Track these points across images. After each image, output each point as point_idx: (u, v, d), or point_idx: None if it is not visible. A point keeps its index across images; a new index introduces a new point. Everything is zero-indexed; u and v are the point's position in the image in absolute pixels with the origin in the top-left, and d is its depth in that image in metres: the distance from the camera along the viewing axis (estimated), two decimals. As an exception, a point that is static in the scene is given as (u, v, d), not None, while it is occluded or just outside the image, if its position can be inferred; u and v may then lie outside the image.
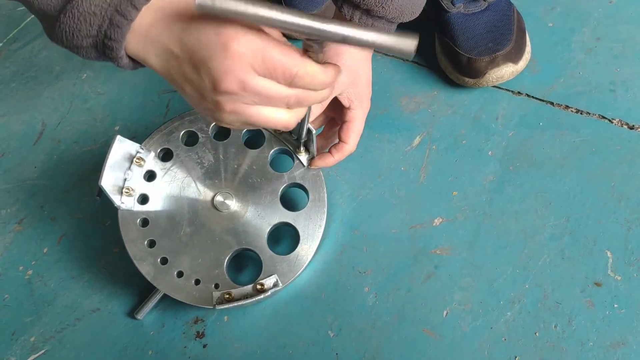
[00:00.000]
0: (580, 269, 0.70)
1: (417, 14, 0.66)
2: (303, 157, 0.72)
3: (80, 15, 0.48)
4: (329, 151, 0.71)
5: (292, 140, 0.73)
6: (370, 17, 0.64)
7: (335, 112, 0.71)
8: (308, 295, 0.74)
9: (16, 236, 0.85)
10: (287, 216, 0.71)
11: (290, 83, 0.48)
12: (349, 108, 0.68)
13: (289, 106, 0.50)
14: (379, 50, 0.47)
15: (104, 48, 0.50)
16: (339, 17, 0.66)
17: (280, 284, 0.68)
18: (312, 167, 0.72)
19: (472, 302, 0.70)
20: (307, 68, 0.47)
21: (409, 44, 0.47)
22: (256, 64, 0.46)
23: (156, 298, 0.72)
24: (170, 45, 0.48)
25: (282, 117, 0.51)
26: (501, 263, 0.72)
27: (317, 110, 0.68)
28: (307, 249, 0.70)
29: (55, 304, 0.78)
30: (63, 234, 0.84)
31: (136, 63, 0.52)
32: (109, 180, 0.67)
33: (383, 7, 0.62)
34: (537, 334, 0.67)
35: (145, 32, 0.48)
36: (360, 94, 0.68)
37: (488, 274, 0.71)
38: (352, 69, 0.66)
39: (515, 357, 0.66)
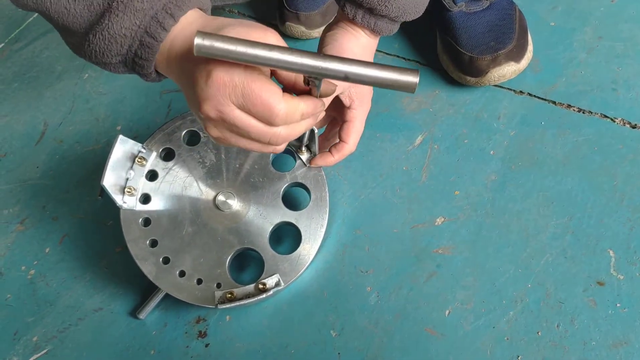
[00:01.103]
0: (582, 268, 0.70)
1: (421, 12, 0.66)
2: (305, 156, 0.72)
3: (111, 38, 0.50)
4: (329, 151, 0.70)
5: (293, 140, 0.73)
6: (372, 15, 0.64)
7: (337, 112, 0.71)
8: (310, 294, 0.74)
9: (18, 236, 0.85)
10: (289, 216, 0.71)
11: (269, 122, 0.49)
12: (349, 107, 0.68)
13: (269, 143, 0.52)
14: (381, 87, 0.48)
15: (134, 65, 0.53)
16: (342, 17, 0.66)
17: (282, 284, 0.68)
18: (313, 166, 0.72)
19: (474, 302, 0.70)
20: (287, 109, 0.49)
21: (411, 79, 0.47)
22: (234, 96, 0.47)
23: (158, 298, 0.72)
24: (176, 68, 0.51)
25: (264, 149, 0.53)
26: (503, 262, 0.72)
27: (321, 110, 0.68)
28: (309, 248, 0.70)
29: (57, 304, 0.78)
30: (65, 234, 0.84)
31: (161, 75, 0.56)
32: (110, 180, 0.68)
33: (386, 5, 0.62)
34: (539, 333, 0.67)
35: (167, 52, 0.51)
36: (361, 93, 0.67)
37: (490, 273, 0.71)
38: None
39: (518, 357, 0.66)
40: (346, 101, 0.67)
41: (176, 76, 0.53)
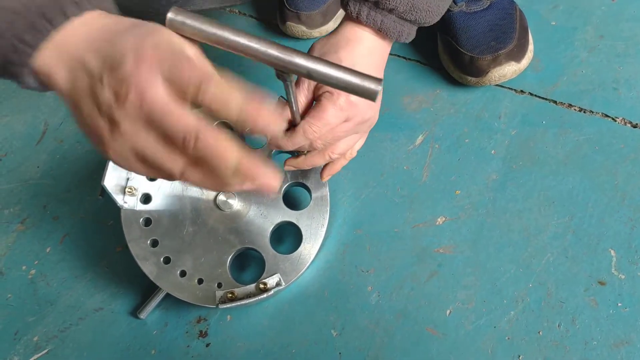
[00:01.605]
0: (583, 267, 0.70)
1: (436, 15, 0.61)
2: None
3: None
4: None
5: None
6: (379, 11, 0.59)
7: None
8: (311, 294, 0.74)
9: (19, 236, 0.85)
10: (290, 215, 0.71)
11: (198, 91, 0.40)
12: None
13: (186, 148, 0.40)
14: (342, 89, 0.47)
15: (11, 52, 0.42)
16: (348, 19, 0.62)
17: (283, 283, 0.68)
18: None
19: (475, 301, 0.70)
20: (218, 79, 0.41)
21: (372, 87, 0.46)
22: (166, 61, 0.40)
23: (159, 297, 0.72)
24: (86, 57, 0.41)
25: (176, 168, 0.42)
26: (504, 262, 0.72)
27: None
28: (309, 248, 0.70)
29: (58, 304, 0.78)
30: (66, 234, 0.84)
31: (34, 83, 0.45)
32: (111, 180, 0.68)
33: None
34: (540, 332, 0.67)
35: (62, 43, 0.42)
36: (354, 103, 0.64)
37: (491, 272, 0.71)
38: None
39: (519, 356, 0.66)
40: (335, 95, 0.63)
41: (70, 74, 0.42)
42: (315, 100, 0.62)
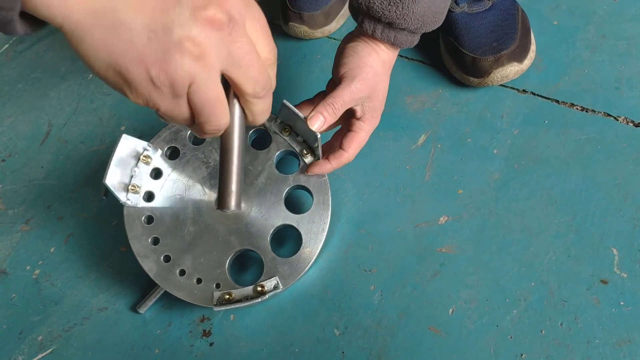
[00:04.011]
0: (586, 266, 0.70)
1: (440, 22, 0.66)
2: (309, 159, 0.72)
3: None
4: (327, 158, 0.70)
5: (299, 142, 0.72)
6: (392, 29, 0.64)
7: (345, 121, 0.71)
8: (314, 293, 0.74)
9: (23, 236, 0.86)
10: (291, 218, 0.71)
11: (247, 96, 0.42)
12: (359, 119, 0.68)
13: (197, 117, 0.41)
14: None
15: None
16: (360, 34, 0.67)
17: (281, 287, 0.68)
18: (309, 174, 0.71)
19: (478, 300, 0.70)
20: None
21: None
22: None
23: (159, 293, 0.73)
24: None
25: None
26: (507, 261, 0.72)
27: (331, 119, 0.67)
28: (309, 252, 0.70)
29: (62, 303, 0.79)
30: (70, 234, 0.85)
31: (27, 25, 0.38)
32: (114, 178, 0.68)
33: (405, 19, 0.62)
34: (543, 331, 0.67)
35: None
36: (374, 108, 0.68)
37: (494, 271, 0.71)
38: (372, 84, 0.66)
39: (522, 355, 0.66)
40: (358, 113, 0.67)
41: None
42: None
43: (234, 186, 0.47)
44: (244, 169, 0.48)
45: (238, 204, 0.48)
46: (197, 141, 0.74)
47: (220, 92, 0.40)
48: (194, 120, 0.41)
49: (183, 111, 0.40)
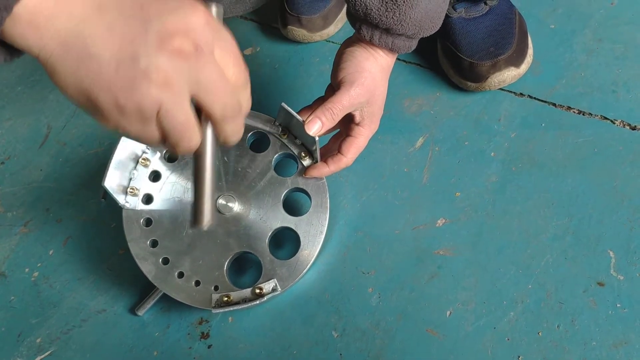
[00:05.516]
0: (583, 268, 0.70)
1: (438, 27, 0.66)
2: (307, 162, 0.72)
3: None
4: (325, 161, 0.70)
5: (298, 145, 0.73)
6: (390, 35, 0.64)
7: (344, 126, 0.72)
8: (312, 295, 0.74)
9: (22, 238, 0.86)
10: (289, 221, 0.71)
11: (218, 120, 0.42)
12: (358, 124, 0.68)
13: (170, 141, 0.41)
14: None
15: None
16: (358, 39, 0.67)
17: (279, 289, 0.68)
18: (307, 177, 0.72)
19: (475, 302, 0.70)
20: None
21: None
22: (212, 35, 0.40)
23: (157, 295, 0.73)
24: None
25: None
26: (504, 263, 0.72)
27: (329, 124, 0.67)
28: (307, 254, 0.70)
29: (61, 306, 0.79)
30: (69, 236, 0.85)
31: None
32: (113, 181, 0.68)
33: (402, 25, 0.62)
34: (540, 333, 0.67)
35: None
36: (372, 113, 0.68)
37: (491, 274, 0.72)
38: (370, 89, 0.66)
39: (519, 357, 0.66)
40: (357, 118, 0.68)
41: (78, 17, 0.38)
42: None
43: (206, 205, 0.49)
44: (215, 188, 0.49)
45: (210, 221, 0.49)
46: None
47: (189, 115, 0.41)
48: (165, 141, 0.42)
49: (153, 135, 0.41)
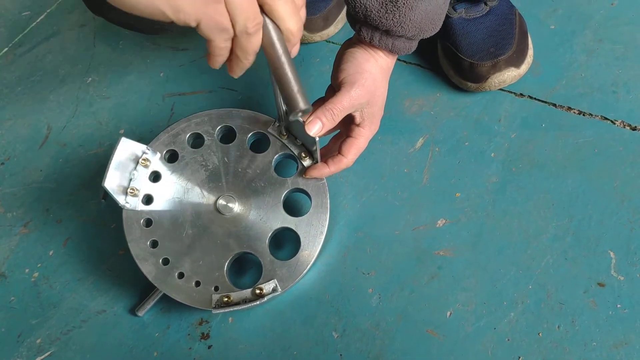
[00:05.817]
0: (583, 269, 0.70)
1: (438, 29, 0.67)
2: (307, 162, 0.72)
3: None
4: (326, 162, 0.70)
5: (298, 145, 0.73)
6: (390, 37, 0.64)
7: (344, 127, 0.72)
8: (312, 296, 0.74)
9: (22, 239, 0.86)
10: (289, 221, 0.71)
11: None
12: (358, 125, 0.68)
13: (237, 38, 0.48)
14: None
15: None
16: (359, 41, 0.67)
17: (279, 289, 0.68)
18: (307, 177, 0.72)
19: (475, 303, 0.70)
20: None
21: (301, 105, 0.52)
22: None
23: (157, 296, 0.73)
24: None
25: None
26: (504, 264, 0.72)
27: (330, 125, 0.68)
28: (307, 255, 0.70)
29: (61, 306, 0.79)
30: (69, 237, 0.85)
31: None
32: (113, 181, 0.68)
33: (402, 26, 0.62)
34: (540, 334, 0.67)
35: None
36: (372, 114, 0.68)
37: (491, 274, 0.71)
38: (371, 90, 0.66)
39: (519, 357, 0.66)
40: (357, 119, 0.68)
41: None
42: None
43: (295, 89, 0.50)
44: (297, 74, 0.52)
45: (306, 102, 0.50)
46: (196, 144, 0.74)
47: None
48: (235, 30, 0.47)
49: (223, 13, 0.45)
